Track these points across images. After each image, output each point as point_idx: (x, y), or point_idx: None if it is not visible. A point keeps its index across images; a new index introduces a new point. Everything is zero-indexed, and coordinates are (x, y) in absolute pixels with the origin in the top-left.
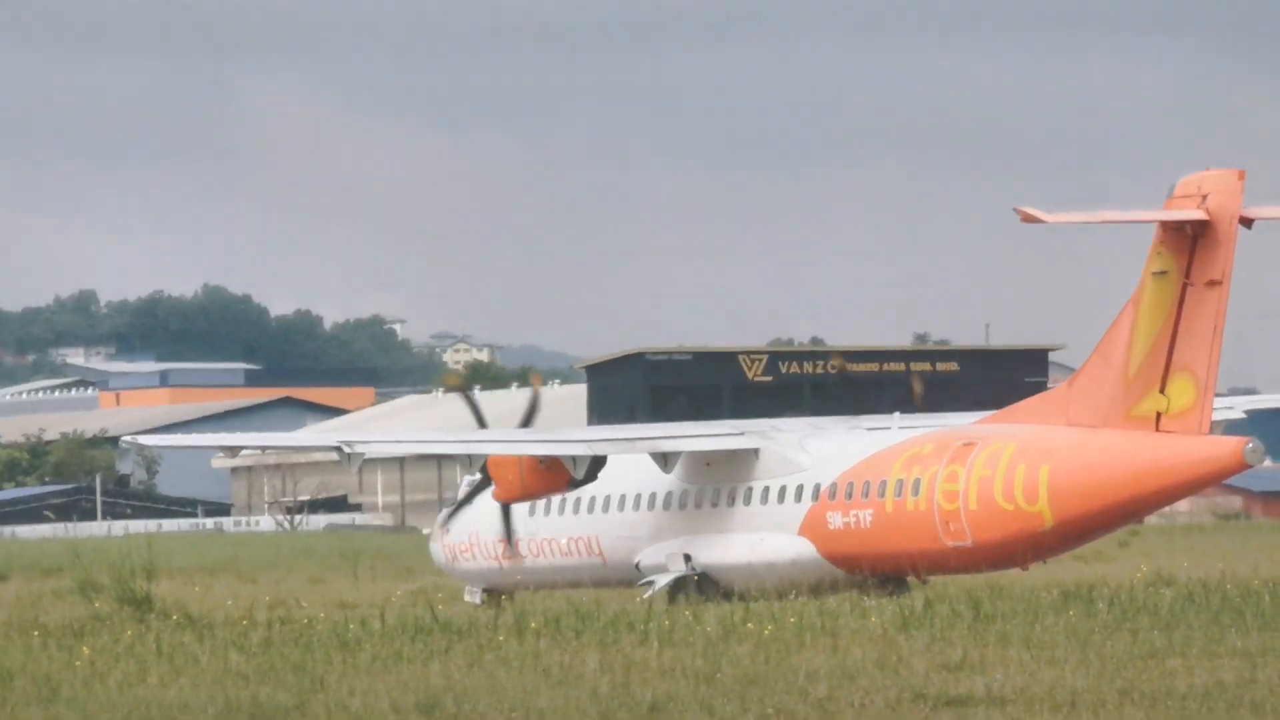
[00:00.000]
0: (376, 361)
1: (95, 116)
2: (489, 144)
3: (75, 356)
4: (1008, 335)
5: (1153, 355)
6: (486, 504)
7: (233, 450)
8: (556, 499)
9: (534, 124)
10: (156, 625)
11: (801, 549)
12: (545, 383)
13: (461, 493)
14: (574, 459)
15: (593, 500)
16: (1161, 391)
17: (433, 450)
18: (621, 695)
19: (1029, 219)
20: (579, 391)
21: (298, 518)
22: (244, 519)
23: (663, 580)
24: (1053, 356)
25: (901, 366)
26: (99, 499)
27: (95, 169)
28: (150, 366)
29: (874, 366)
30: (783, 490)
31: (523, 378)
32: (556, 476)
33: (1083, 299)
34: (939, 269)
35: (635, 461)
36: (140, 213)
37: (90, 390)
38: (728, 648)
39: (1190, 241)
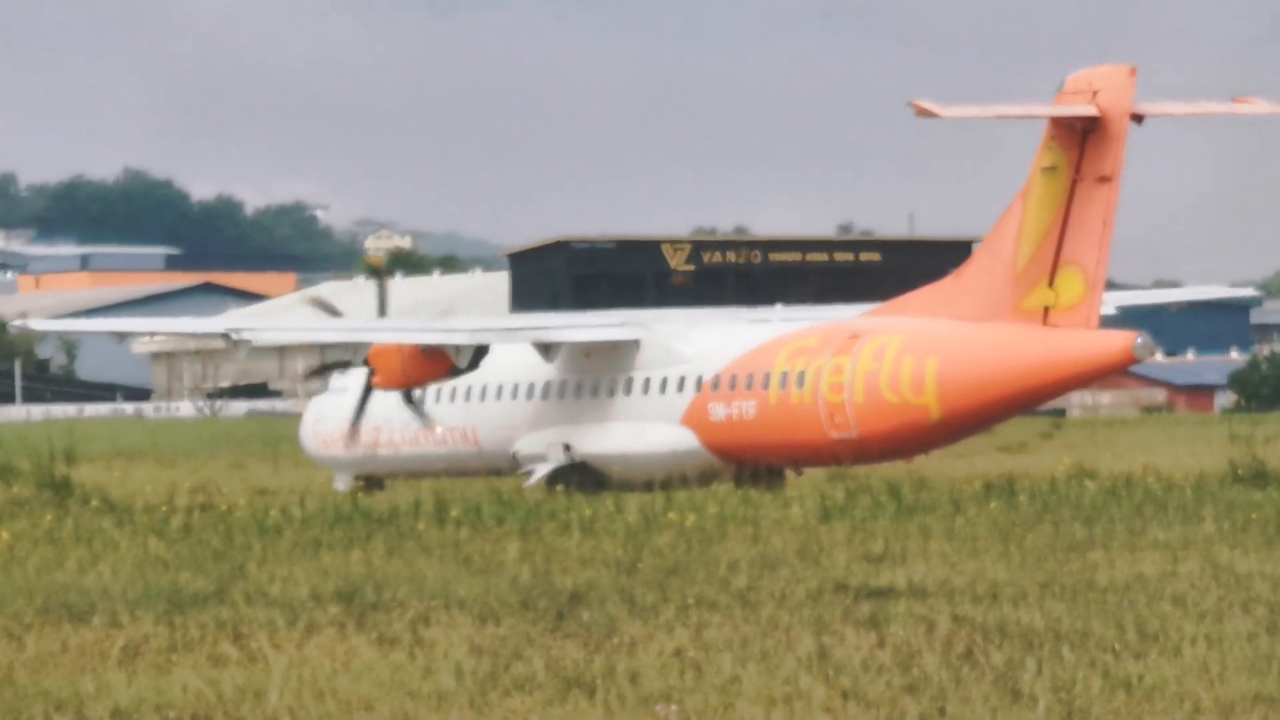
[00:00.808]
0: (298, 247)
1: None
2: (411, 27)
3: None
4: (931, 226)
5: (1041, 250)
6: (359, 392)
7: (120, 335)
8: (433, 388)
9: (451, 5)
10: (75, 510)
11: (683, 439)
12: (468, 270)
13: (332, 383)
14: (456, 348)
15: (469, 390)
16: (1050, 286)
17: (318, 338)
18: (542, 584)
19: (924, 113)
20: (502, 279)
21: (218, 403)
22: (164, 404)
23: (542, 469)
24: (976, 248)
25: (824, 256)
26: (18, 383)
27: (12, 51)
28: (71, 250)
29: (797, 256)
30: (664, 381)
31: (445, 264)
32: (439, 365)
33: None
34: (864, 157)
35: (516, 352)
36: (59, 94)
37: (9, 274)
38: (649, 537)
39: (1080, 137)
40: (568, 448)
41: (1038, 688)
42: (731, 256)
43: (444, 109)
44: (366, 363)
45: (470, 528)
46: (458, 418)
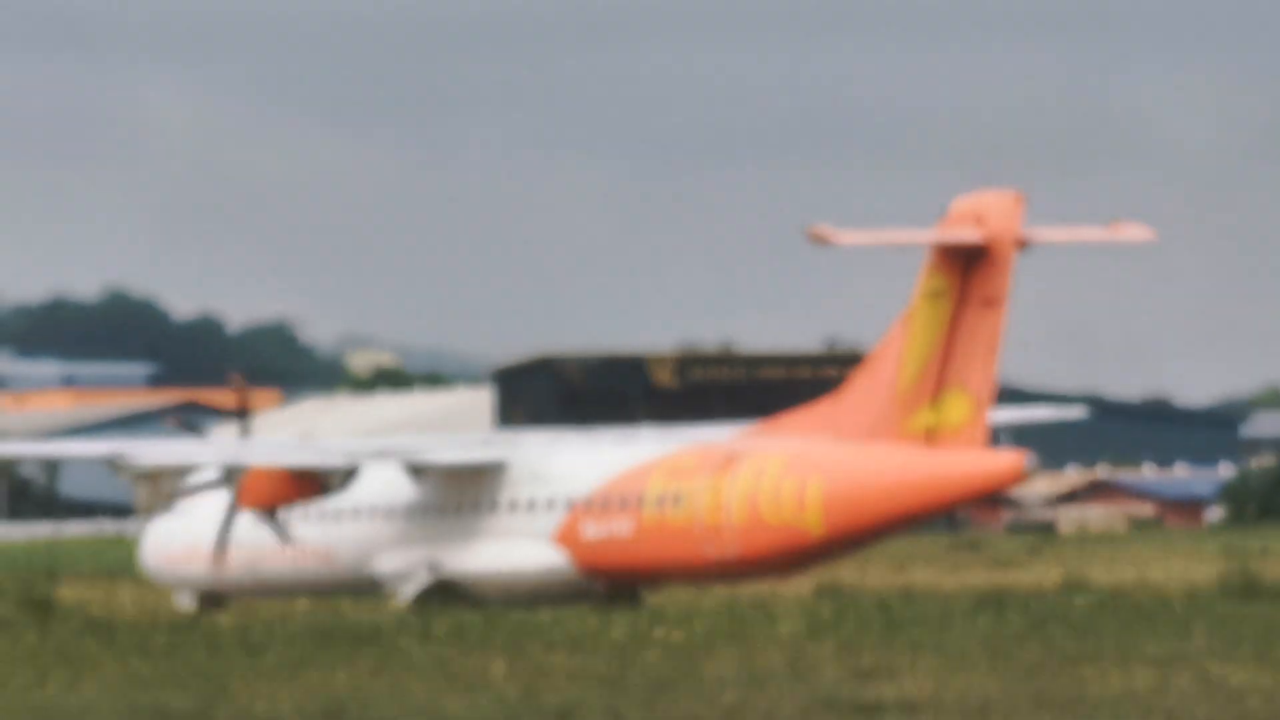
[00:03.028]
0: (281, 364)
1: None
2: (388, 143)
3: None
4: None
5: (925, 372)
6: (207, 511)
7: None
8: (289, 511)
9: (432, 123)
10: (58, 629)
11: (554, 559)
12: (452, 386)
13: (179, 504)
14: (330, 470)
15: (324, 510)
16: (935, 407)
17: (201, 459)
18: (529, 701)
19: (819, 239)
20: (486, 396)
21: None
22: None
23: (408, 589)
24: None
25: (811, 372)
26: (1, 502)
27: None
28: (53, 368)
29: (783, 372)
30: (532, 501)
31: (429, 381)
32: (309, 486)
33: None
34: (849, 272)
35: (380, 472)
36: (40, 212)
37: None
38: (637, 654)
39: (965, 262)
40: (433, 567)
41: None
42: (718, 373)
43: (427, 225)
44: (230, 484)
45: (456, 644)
46: (313, 537)
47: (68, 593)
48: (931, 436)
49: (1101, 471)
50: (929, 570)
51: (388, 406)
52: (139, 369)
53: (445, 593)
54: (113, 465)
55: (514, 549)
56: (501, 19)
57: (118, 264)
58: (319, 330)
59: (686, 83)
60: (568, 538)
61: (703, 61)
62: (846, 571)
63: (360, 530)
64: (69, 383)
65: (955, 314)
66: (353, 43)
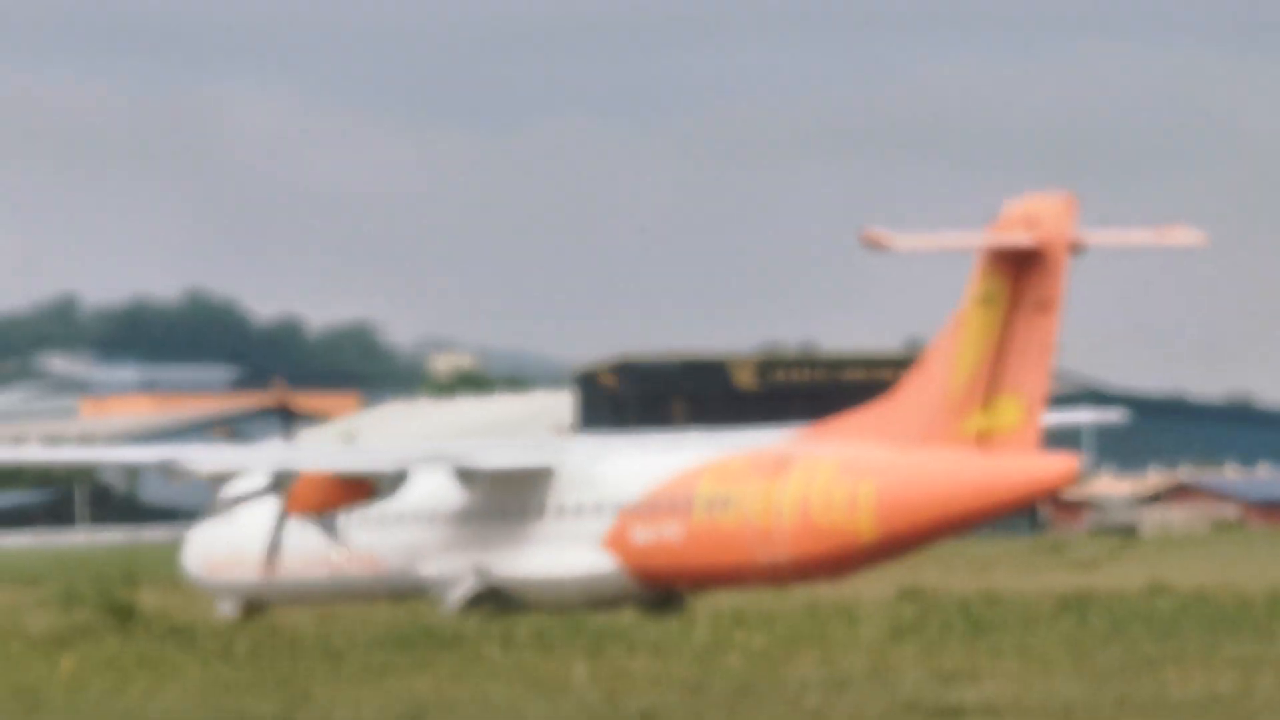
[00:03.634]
0: (361, 367)
1: (76, 120)
2: (468, 146)
3: (57, 362)
4: None
5: (978, 376)
6: (250, 517)
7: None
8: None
9: (513, 126)
10: (140, 635)
11: (604, 563)
12: (532, 388)
13: (225, 506)
14: (382, 475)
15: (371, 516)
16: (987, 410)
17: (252, 465)
18: (611, 705)
19: (873, 243)
20: (566, 399)
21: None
22: None
23: (458, 593)
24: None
25: (892, 373)
26: (79, 507)
27: (75, 173)
28: (133, 373)
29: (864, 374)
30: (581, 506)
31: (510, 384)
32: (359, 491)
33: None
34: (929, 272)
35: (428, 478)
36: (120, 216)
37: (73, 397)
38: (718, 657)
39: (1018, 266)
40: (482, 572)
41: None
42: (799, 375)
43: (506, 225)
44: (278, 490)
45: (537, 649)
46: (360, 543)
47: (148, 598)
48: (984, 440)
49: (1184, 473)
50: (1011, 573)
51: (468, 410)
52: (220, 373)
53: (493, 598)
54: (166, 472)
55: (563, 554)
56: (577, 23)
57: (198, 268)
58: (399, 333)
59: (766, 81)
60: (617, 542)
61: (781, 59)
62: (929, 574)
63: (408, 535)
64: (150, 387)
65: (1007, 318)
66: (432, 46)
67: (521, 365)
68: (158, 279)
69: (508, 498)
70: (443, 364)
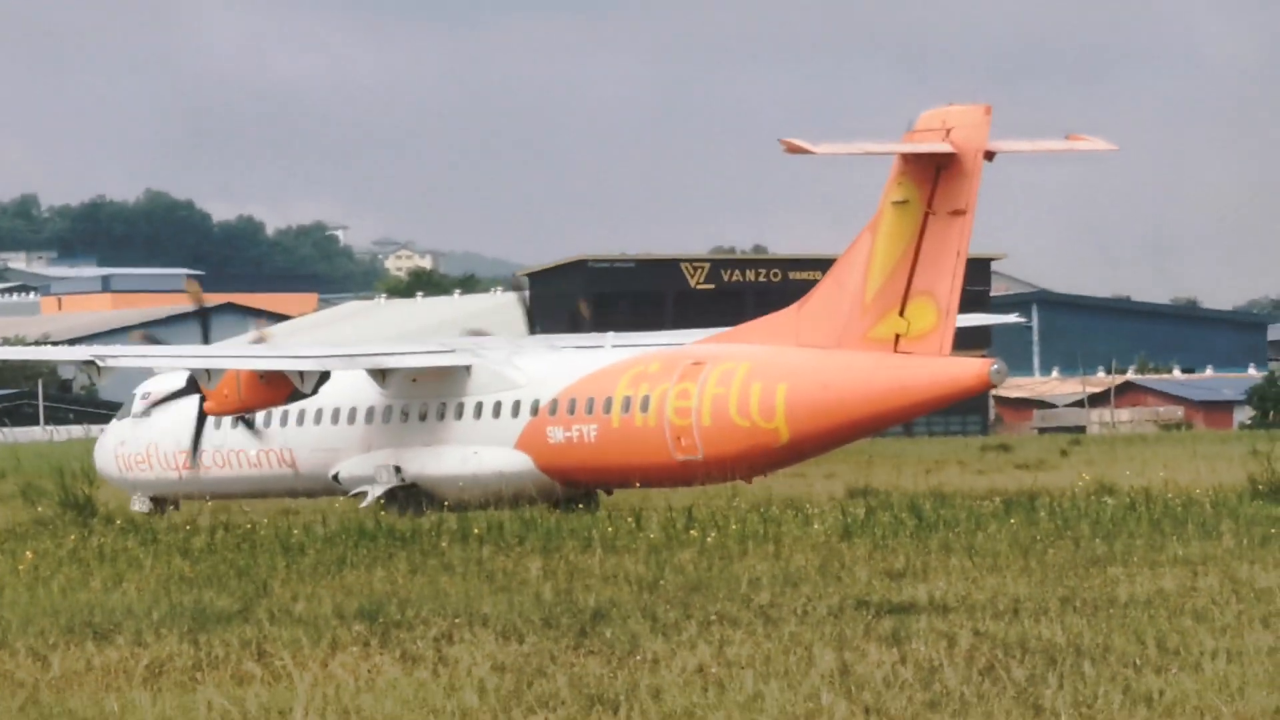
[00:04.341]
0: (319, 268)
1: (37, 21)
2: (423, 49)
3: (16, 261)
4: None
5: (892, 280)
6: (167, 416)
7: None
8: (247, 413)
9: (470, 28)
10: (100, 530)
11: (518, 461)
12: (488, 289)
13: (137, 406)
14: (301, 374)
15: (285, 414)
16: (901, 315)
17: (175, 364)
18: (565, 601)
19: (795, 149)
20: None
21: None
22: None
23: (375, 491)
24: (995, 265)
25: None
26: (41, 404)
27: (37, 74)
28: (92, 271)
29: (816, 274)
30: (498, 405)
31: (465, 284)
32: (277, 391)
33: (1019, 213)
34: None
35: (344, 377)
36: (79, 116)
37: (32, 295)
38: (671, 554)
39: (934, 172)
40: (398, 470)
41: (1059, 703)
42: (751, 275)
43: (462, 129)
44: (194, 389)
45: (493, 545)
46: (274, 441)
47: (108, 494)
48: (898, 343)
49: (1131, 374)
50: (960, 472)
51: (423, 309)
52: (179, 272)
53: (408, 496)
54: (88, 369)
55: (477, 453)
56: None
57: (158, 168)
58: (356, 234)
59: None
60: (531, 441)
61: None
62: (879, 474)
63: (320, 434)
64: (108, 286)
65: (922, 223)
66: None
67: (476, 266)
68: (117, 179)
69: (424, 397)
70: (399, 265)
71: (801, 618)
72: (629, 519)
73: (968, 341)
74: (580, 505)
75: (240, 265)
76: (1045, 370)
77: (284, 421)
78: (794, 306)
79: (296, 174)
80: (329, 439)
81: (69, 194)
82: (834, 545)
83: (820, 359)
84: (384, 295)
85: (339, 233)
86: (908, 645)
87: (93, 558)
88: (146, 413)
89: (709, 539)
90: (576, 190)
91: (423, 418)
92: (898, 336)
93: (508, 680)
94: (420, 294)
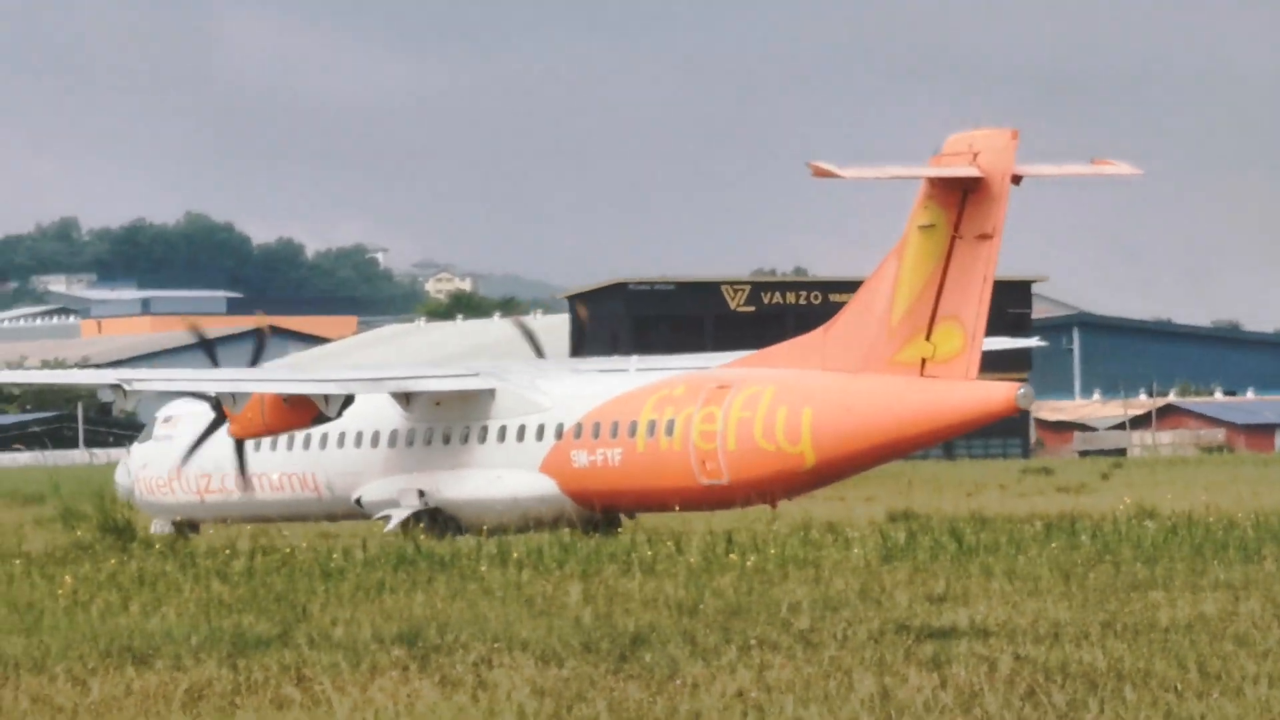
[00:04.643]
0: (359, 290)
1: (76, 45)
2: (465, 72)
3: (56, 284)
4: None
5: (918, 304)
6: (183, 441)
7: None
8: (269, 438)
9: (508, 49)
10: (139, 554)
11: (542, 485)
12: (528, 312)
13: (159, 430)
14: (327, 397)
15: (308, 438)
16: (928, 338)
17: (201, 388)
18: (604, 626)
19: (821, 174)
20: (562, 321)
21: None
22: None
23: (399, 515)
24: (1036, 288)
25: None
26: (80, 427)
27: (76, 97)
28: (132, 294)
29: (851, 296)
30: (522, 429)
31: (505, 307)
32: (302, 414)
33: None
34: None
35: (369, 400)
36: (121, 139)
37: (72, 318)
38: (710, 579)
39: (961, 196)
40: (422, 494)
41: None
42: (791, 298)
43: (502, 152)
44: (219, 410)
45: (532, 570)
46: (297, 464)
47: (147, 519)
48: (924, 367)
49: (1172, 397)
50: (1000, 495)
51: (463, 331)
52: (219, 294)
53: (433, 520)
54: (117, 393)
55: (502, 477)
56: None
57: (198, 190)
58: (397, 257)
59: (759, 16)
60: (555, 465)
61: None
62: (919, 497)
63: (343, 458)
64: (148, 308)
65: (949, 247)
66: None
67: (517, 289)
68: (157, 202)
69: (449, 420)
70: (439, 287)
71: (842, 642)
72: (669, 543)
73: (1009, 365)
74: (604, 529)
75: (280, 288)
76: (1086, 393)
77: (307, 445)
78: (820, 330)
79: (336, 196)
80: (352, 462)
81: (108, 217)
82: (874, 569)
83: (846, 383)
84: (424, 318)
85: (379, 255)
86: (948, 670)
87: (131, 582)
88: (168, 435)
89: (749, 563)
90: (617, 213)
91: (446, 441)
92: (924, 360)
93: (547, 705)
94: (460, 316)
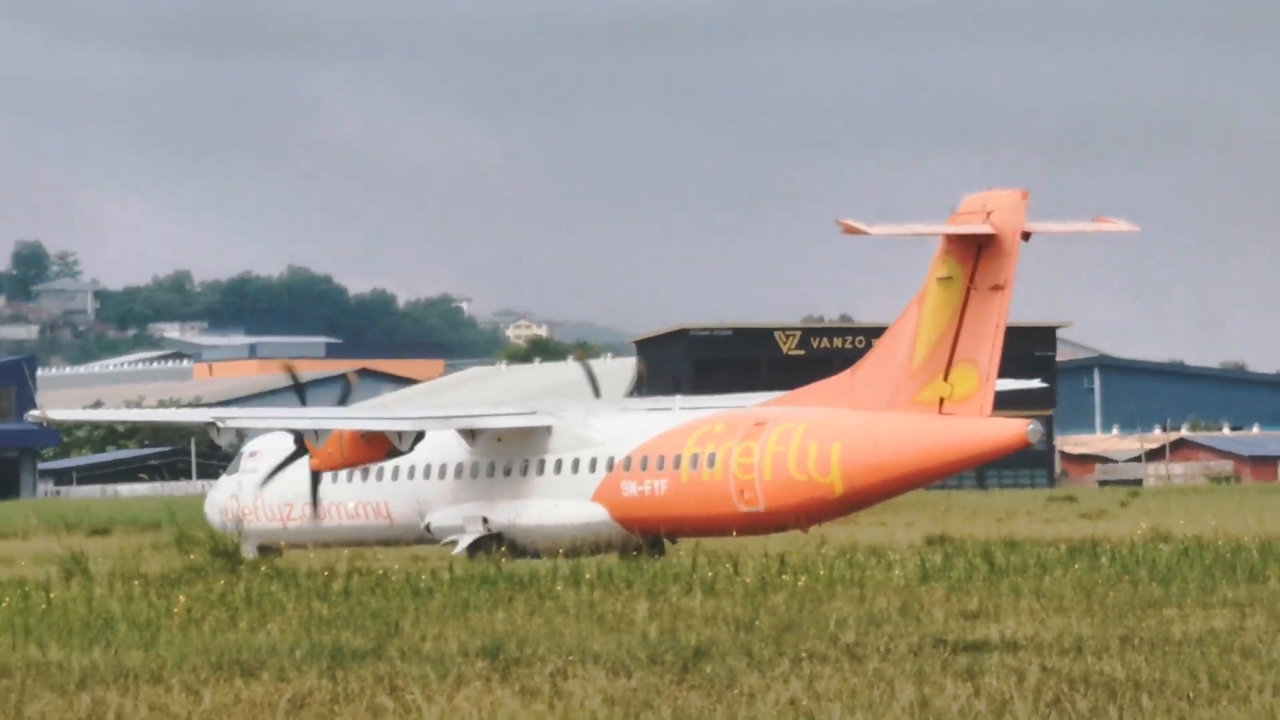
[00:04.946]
0: (445, 336)
1: (189, 116)
2: (540, 137)
3: (171, 331)
4: (1020, 315)
5: (937, 349)
6: (268, 470)
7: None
8: (345, 471)
9: (580, 117)
10: (246, 576)
11: (595, 513)
12: (600, 355)
13: (244, 464)
14: (400, 434)
15: (381, 470)
16: (945, 380)
17: (289, 424)
18: (669, 640)
19: (851, 230)
20: (629, 364)
21: None
22: None
23: (464, 540)
24: (1060, 333)
25: None
26: (194, 460)
27: (189, 163)
28: (240, 340)
29: None
30: (576, 462)
31: (578, 351)
32: (377, 449)
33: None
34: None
35: (437, 436)
36: (229, 200)
37: (185, 362)
38: (765, 597)
39: (975, 251)
40: (485, 520)
41: None
42: (838, 342)
43: (576, 209)
44: (301, 445)
45: (603, 589)
46: (371, 494)
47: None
48: (942, 406)
49: (1184, 432)
50: (1028, 521)
51: (542, 373)
52: (318, 339)
53: (495, 544)
54: (210, 430)
55: (558, 505)
56: (638, 22)
57: (298, 246)
58: (480, 306)
59: (804, 82)
60: (607, 494)
61: (819, 64)
62: (954, 523)
63: (413, 488)
64: (254, 353)
65: (965, 297)
66: (506, 43)
67: (589, 335)
68: (262, 256)
69: (510, 454)
70: (519, 333)
71: (884, 655)
72: (727, 565)
73: (1034, 403)
74: (648, 552)
75: (374, 334)
76: (1106, 428)
77: (380, 477)
78: (848, 372)
79: (425, 251)
80: (422, 492)
81: (218, 270)
82: (914, 588)
83: (872, 420)
84: (505, 361)
85: (464, 304)
86: (981, 680)
87: (240, 601)
88: (251, 468)
89: (800, 583)
90: (680, 265)
91: (508, 473)
92: (942, 399)
93: (617, 712)
94: (538, 360)
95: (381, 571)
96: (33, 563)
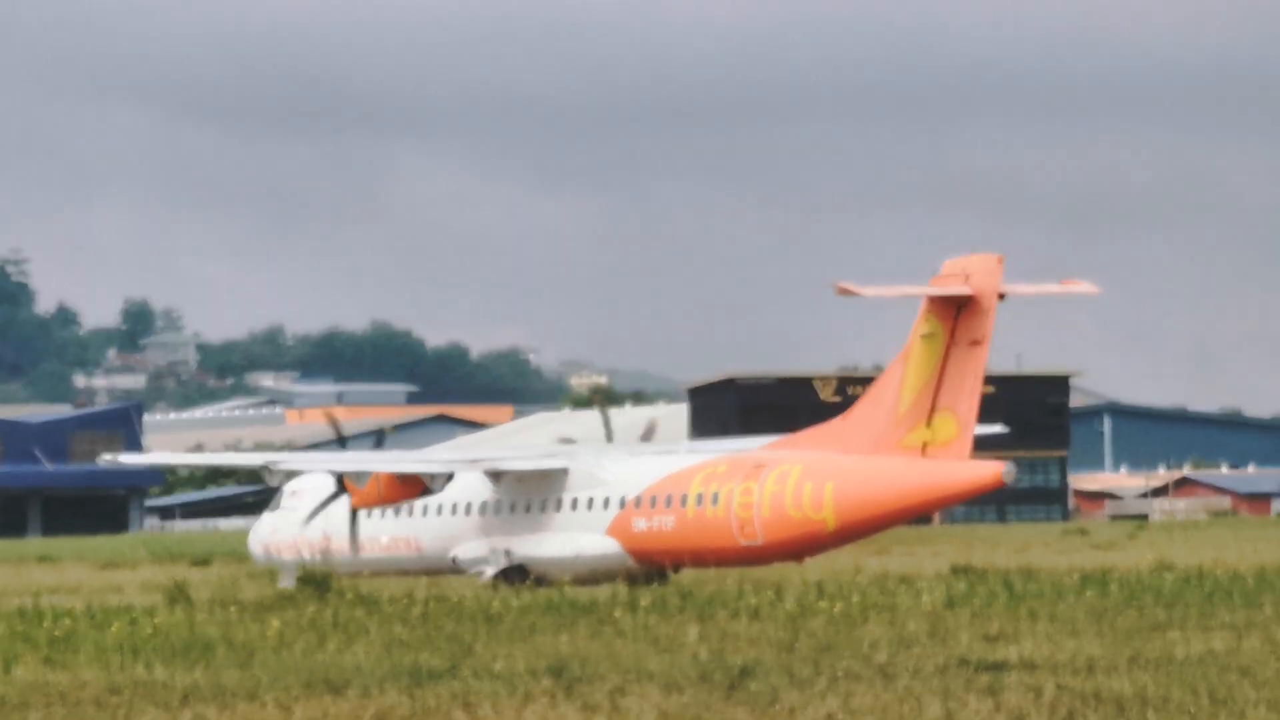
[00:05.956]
0: (514, 384)
1: (281, 183)
2: (600, 202)
3: (266, 380)
4: (1036, 362)
5: (920, 398)
6: (305, 510)
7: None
8: (379, 508)
9: (635, 185)
10: (334, 602)
11: (608, 546)
12: (654, 402)
13: (285, 502)
14: (433, 475)
15: (412, 507)
16: (928, 426)
17: (337, 467)
18: (717, 660)
19: (846, 292)
20: (682, 410)
21: None
22: None
23: (489, 571)
24: (1073, 381)
25: None
26: None
27: (281, 226)
28: (328, 388)
29: None
30: (591, 500)
31: (635, 398)
32: (412, 489)
33: (1095, 335)
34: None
35: (465, 477)
36: (319, 260)
37: (278, 408)
38: (804, 621)
39: (955, 310)
40: (508, 553)
41: None
42: None
43: (632, 268)
44: (341, 485)
45: (658, 614)
46: (403, 529)
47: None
48: (925, 449)
49: (1186, 470)
50: (1044, 552)
51: (598, 419)
52: (399, 388)
53: (517, 574)
54: (266, 471)
55: (575, 539)
56: (689, 101)
57: (382, 302)
58: (545, 356)
59: (836, 150)
60: (619, 530)
61: (852, 133)
62: (977, 554)
63: (440, 523)
64: (341, 400)
65: (946, 352)
66: (568, 120)
67: (645, 383)
68: (348, 311)
69: (531, 493)
70: (580, 382)
71: (913, 674)
72: (769, 592)
73: (1050, 443)
74: (655, 581)
75: (449, 383)
76: (1115, 467)
77: (411, 513)
78: (839, 418)
79: (496, 307)
80: (450, 528)
81: (309, 324)
82: (940, 613)
83: (861, 462)
84: (569, 407)
85: (531, 355)
86: (1001, 696)
87: (328, 625)
88: (291, 506)
89: (836, 608)
90: (728, 319)
91: (529, 510)
92: (925, 444)
93: None
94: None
95: (456, 598)
96: (140, 591)
